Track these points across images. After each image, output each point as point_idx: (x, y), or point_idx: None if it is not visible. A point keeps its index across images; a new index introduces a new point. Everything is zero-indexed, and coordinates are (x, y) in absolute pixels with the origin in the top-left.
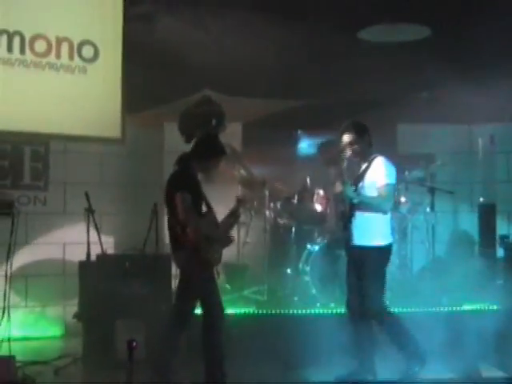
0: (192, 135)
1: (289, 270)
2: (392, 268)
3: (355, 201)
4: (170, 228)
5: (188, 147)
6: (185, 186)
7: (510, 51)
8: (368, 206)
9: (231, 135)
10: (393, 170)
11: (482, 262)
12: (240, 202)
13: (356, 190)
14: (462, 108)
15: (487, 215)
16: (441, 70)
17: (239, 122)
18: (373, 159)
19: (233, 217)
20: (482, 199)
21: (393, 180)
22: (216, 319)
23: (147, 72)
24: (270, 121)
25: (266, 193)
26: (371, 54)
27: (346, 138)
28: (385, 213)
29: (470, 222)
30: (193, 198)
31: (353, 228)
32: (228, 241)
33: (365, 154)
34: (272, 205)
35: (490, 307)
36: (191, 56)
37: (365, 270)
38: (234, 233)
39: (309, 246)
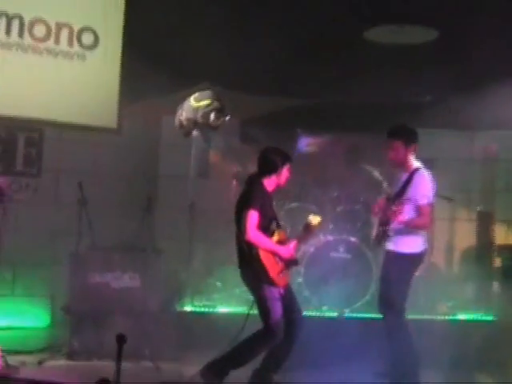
0: (190, 129)
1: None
2: None
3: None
4: (238, 245)
5: (186, 141)
6: (254, 203)
7: None
8: (408, 224)
9: (229, 131)
10: (433, 187)
11: (478, 270)
12: (311, 227)
13: (395, 203)
14: (465, 113)
15: (485, 223)
16: (444, 73)
17: (238, 117)
18: (415, 171)
19: (304, 240)
20: (480, 207)
21: (432, 198)
22: (273, 339)
23: (146, 62)
24: (270, 119)
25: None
26: (375, 54)
27: (393, 142)
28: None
29: (467, 230)
30: (263, 216)
31: (389, 234)
32: (294, 262)
33: (408, 164)
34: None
35: (485, 317)
36: (191, 48)
37: (394, 273)
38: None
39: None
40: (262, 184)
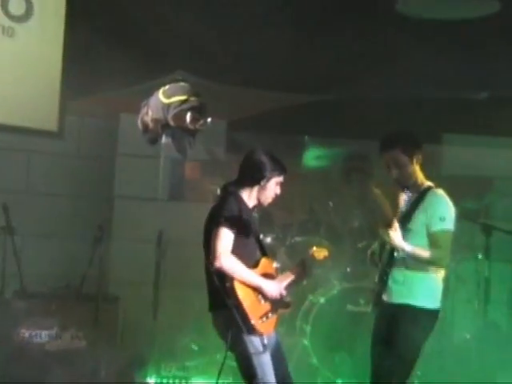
0: (158, 134)
1: (281, 330)
2: None
3: (404, 254)
4: (208, 279)
5: (153, 150)
6: (227, 220)
7: None
8: (418, 258)
9: (211, 136)
10: (453, 211)
11: None
12: (312, 262)
13: (402, 233)
14: None
15: None
16: (509, 59)
17: (223, 119)
18: (426, 191)
19: (301, 277)
20: None
21: (452, 225)
22: None
23: (99, 42)
24: (265, 120)
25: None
26: (408, 33)
27: (390, 156)
28: (439, 267)
29: None
30: (242, 239)
31: (392, 280)
32: (284, 303)
33: (414, 182)
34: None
35: None
36: (160, 22)
37: (399, 335)
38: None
39: (311, 297)
40: (239, 196)
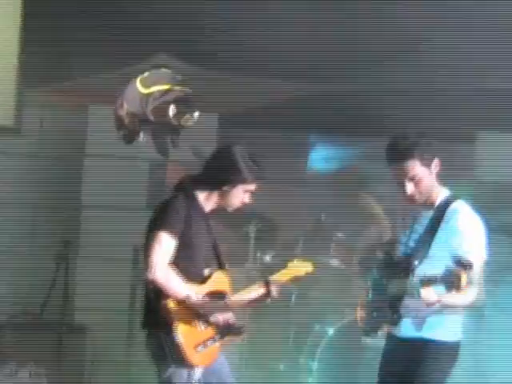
0: (135, 130)
1: (282, 366)
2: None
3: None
4: (145, 289)
5: (129, 150)
6: (169, 223)
7: None
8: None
9: (199, 134)
10: (482, 232)
11: None
12: (268, 286)
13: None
14: None
15: None
16: None
17: (214, 113)
18: (445, 207)
19: (264, 297)
20: None
21: (484, 251)
22: None
23: (64, 18)
24: (266, 114)
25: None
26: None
27: (403, 168)
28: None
29: None
30: (188, 249)
31: (404, 311)
32: (234, 331)
33: (430, 194)
34: (258, 254)
35: None
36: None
37: (415, 374)
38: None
39: (317, 327)
40: (194, 197)
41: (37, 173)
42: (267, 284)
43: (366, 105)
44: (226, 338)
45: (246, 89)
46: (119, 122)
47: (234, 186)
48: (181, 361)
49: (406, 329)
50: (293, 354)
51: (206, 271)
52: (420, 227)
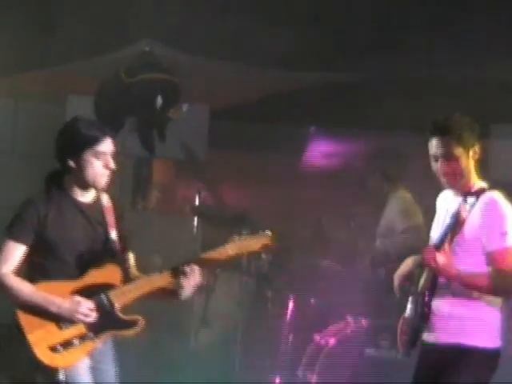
0: (120, 123)
1: (278, 379)
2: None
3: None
4: None
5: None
6: (18, 227)
7: None
8: (473, 287)
9: (189, 127)
10: None
11: None
12: (182, 272)
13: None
14: None
15: None
16: None
17: (205, 105)
18: (478, 194)
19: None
20: None
21: None
22: None
23: (39, 6)
24: (261, 106)
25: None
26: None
27: (440, 143)
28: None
29: None
30: (49, 246)
31: (436, 315)
32: (122, 324)
33: (466, 181)
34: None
35: None
36: None
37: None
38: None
39: (317, 338)
40: (63, 188)
41: (9, 171)
42: (176, 272)
43: None
44: (109, 333)
45: (239, 78)
46: (100, 115)
47: (78, 157)
48: (37, 363)
49: (439, 334)
50: (290, 367)
51: (96, 266)
52: (453, 215)
